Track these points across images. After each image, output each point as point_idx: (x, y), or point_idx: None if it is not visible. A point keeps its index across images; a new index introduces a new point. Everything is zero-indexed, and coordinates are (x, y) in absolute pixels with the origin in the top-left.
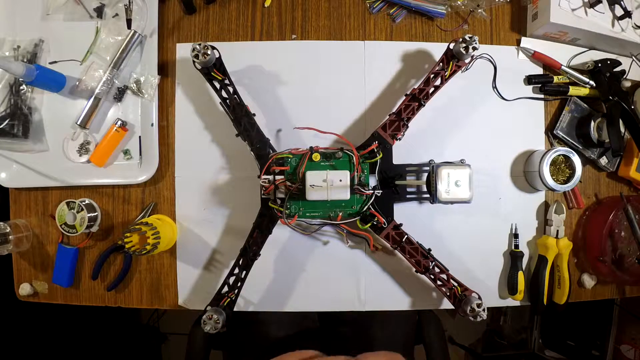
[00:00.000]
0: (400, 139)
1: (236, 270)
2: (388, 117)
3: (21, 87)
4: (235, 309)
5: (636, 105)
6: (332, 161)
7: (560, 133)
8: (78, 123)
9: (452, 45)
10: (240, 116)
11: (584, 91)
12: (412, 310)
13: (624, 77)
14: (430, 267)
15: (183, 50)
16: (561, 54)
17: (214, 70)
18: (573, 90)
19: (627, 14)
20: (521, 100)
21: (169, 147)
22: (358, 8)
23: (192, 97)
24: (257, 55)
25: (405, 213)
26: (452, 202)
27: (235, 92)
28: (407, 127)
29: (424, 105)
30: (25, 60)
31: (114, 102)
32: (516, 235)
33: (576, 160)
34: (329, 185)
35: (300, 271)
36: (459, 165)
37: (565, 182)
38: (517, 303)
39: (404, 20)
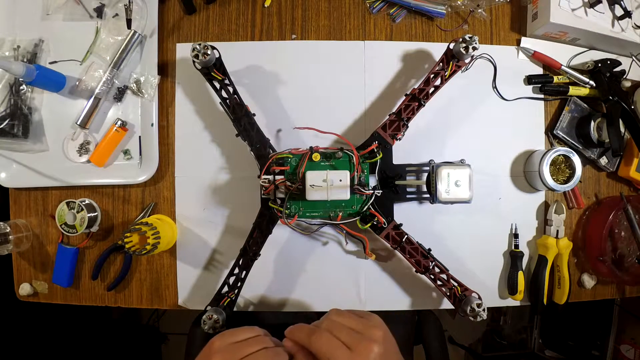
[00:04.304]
0: (400, 139)
1: (236, 270)
2: (388, 117)
3: (21, 87)
4: (235, 309)
5: (636, 105)
6: (332, 161)
7: (560, 133)
8: (78, 123)
9: (452, 45)
10: (240, 116)
11: (584, 91)
12: (412, 310)
13: (624, 77)
14: (430, 267)
15: (183, 50)
16: (561, 54)
17: (214, 70)
18: (573, 90)
19: (627, 14)
20: (521, 100)
21: (169, 147)
22: (358, 8)
23: (192, 97)
24: (257, 55)
25: (405, 213)
26: (452, 202)
27: (235, 92)
28: (407, 127)
29: (424, 105)
30: (25, 60)
31: (114, 102)
32: (516, 235)
33: (576, 160)
34: (329, 185)
35: (300, 271)
36: (459, 165)
37: (565, 182)
38: (517, 303)
39: (404, 20)
